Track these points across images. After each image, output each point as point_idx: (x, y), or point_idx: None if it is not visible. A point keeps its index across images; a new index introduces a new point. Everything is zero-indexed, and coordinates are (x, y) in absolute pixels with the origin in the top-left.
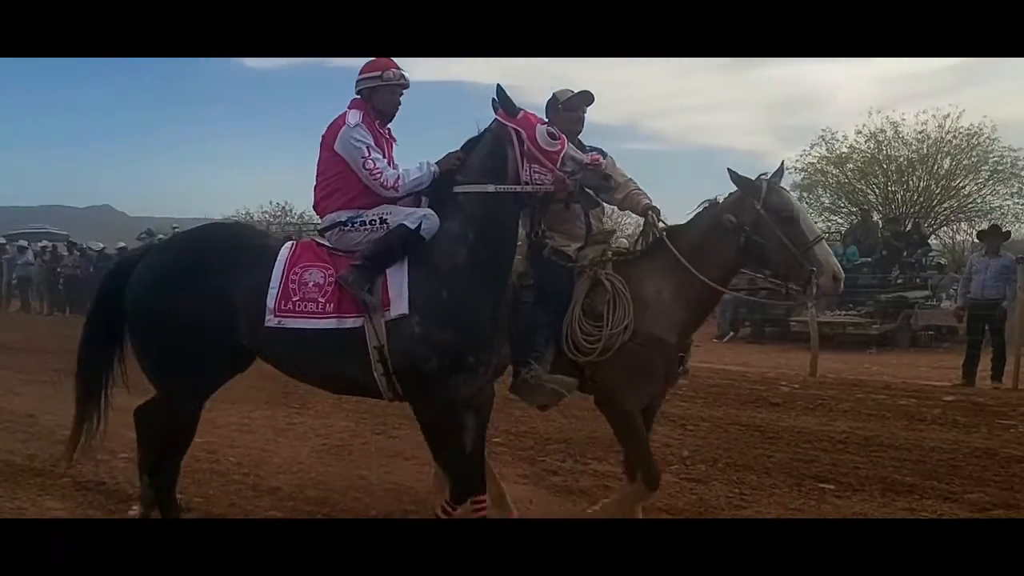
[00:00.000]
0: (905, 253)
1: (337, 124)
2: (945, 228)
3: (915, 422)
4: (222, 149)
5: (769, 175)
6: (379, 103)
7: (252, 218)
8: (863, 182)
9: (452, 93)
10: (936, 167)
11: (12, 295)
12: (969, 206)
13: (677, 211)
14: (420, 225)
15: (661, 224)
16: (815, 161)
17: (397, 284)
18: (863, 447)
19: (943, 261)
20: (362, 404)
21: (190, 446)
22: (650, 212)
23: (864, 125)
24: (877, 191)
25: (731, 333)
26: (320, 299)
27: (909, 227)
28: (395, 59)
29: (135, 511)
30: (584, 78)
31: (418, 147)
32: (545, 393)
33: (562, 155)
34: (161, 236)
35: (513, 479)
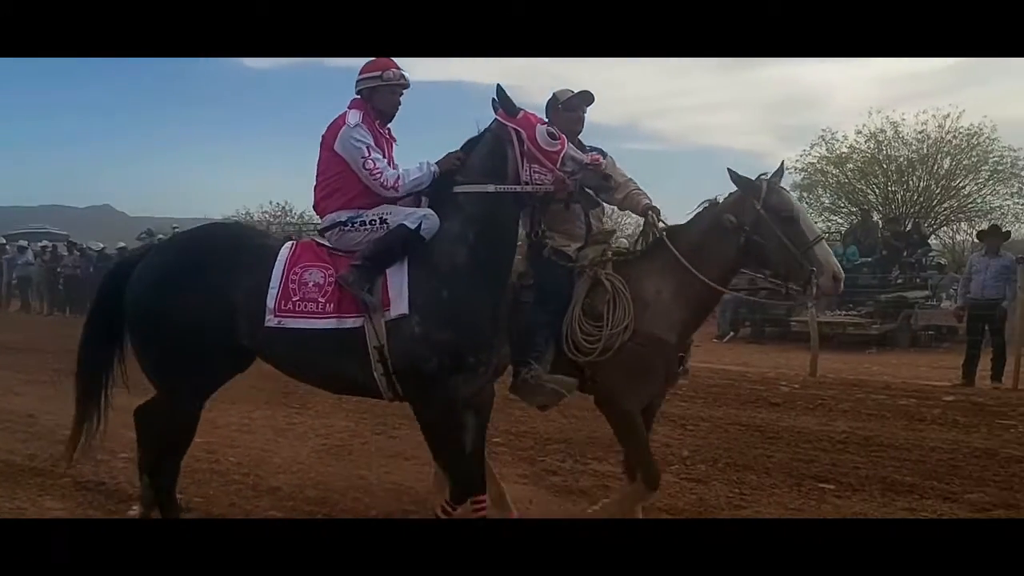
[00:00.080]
0: (905, 253)
1: (337, 124)
2: (945, 228)
3: (915, 422)
4: (222, 149)
5: (769, 175)
6: (379, 103)
7: (252, 218)
8: (863, 182)
9: (451, 93)
10: (936, 167)
11: (12, 295)
12: (969, 206)
13: (677, 211)
14: (420, 225)
15: (661, 224)
16: (815, 161)
17: (397, 284)
18: (863, 447)
19: (943, 261)
20: (362, 404)
21: (190, 446)
22: (650, 212)
23: (864, 125)
24: (877, 191)
25: (731, 333)
26: (320, 299)
27: (909, 227)
28: (395, 59)
29: (135, 511)
30: (583, 78)
31: (417, 147)
32: (545, 393)
33: (562, 155)
34: (161, 236)
35: (513, 479)
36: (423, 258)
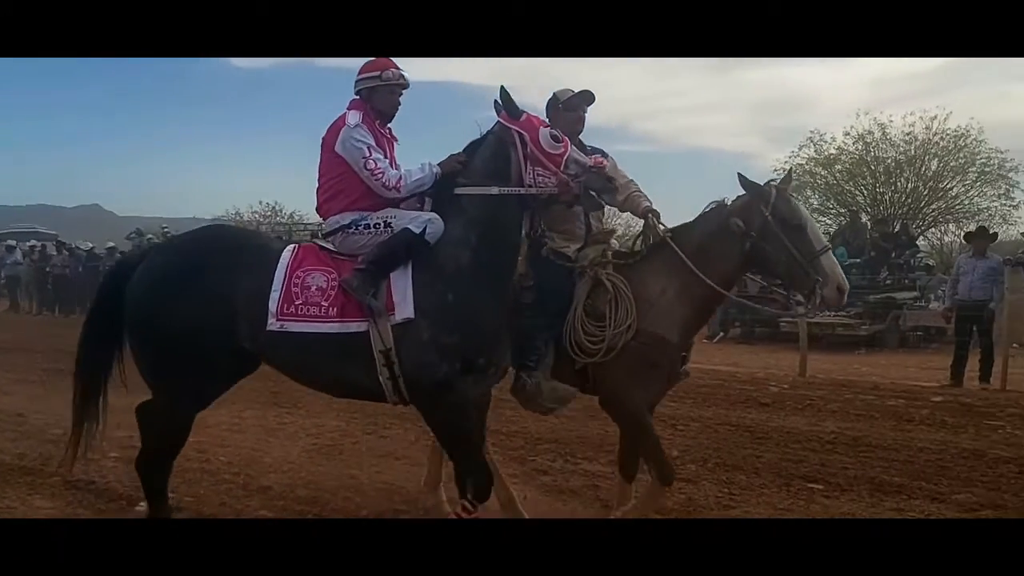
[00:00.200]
0: (893, 254)
1: (337, 125)
2: (933, 229)
3: (903, 423)
4: (213, 149)
5: (778, 181)
6: (378, 103)
7: (242, 218)
8: (851, 183)
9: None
10: (924, 169)
11: (1, 295)
12: (957, 207)
13: (668, 212)
14: (425, 229)
15: (661, 227)
16: (804, 163)
17: (401, 288)
18: (852, 447)
19: (931, 262)
20: (353, 404)
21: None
22: (650, 215)
23: (852, 127)
24: (865, 192)
25: (721, 334)
26: (323, 303)
27: (897, 228)
28: (393, 59)
29: (141, 508)
30: (573, 79)
31: (410, 147)
32: (546, 400)
33: (565, 158)
34: (151, 236)
35: (503, 478)
36: (427, 261)
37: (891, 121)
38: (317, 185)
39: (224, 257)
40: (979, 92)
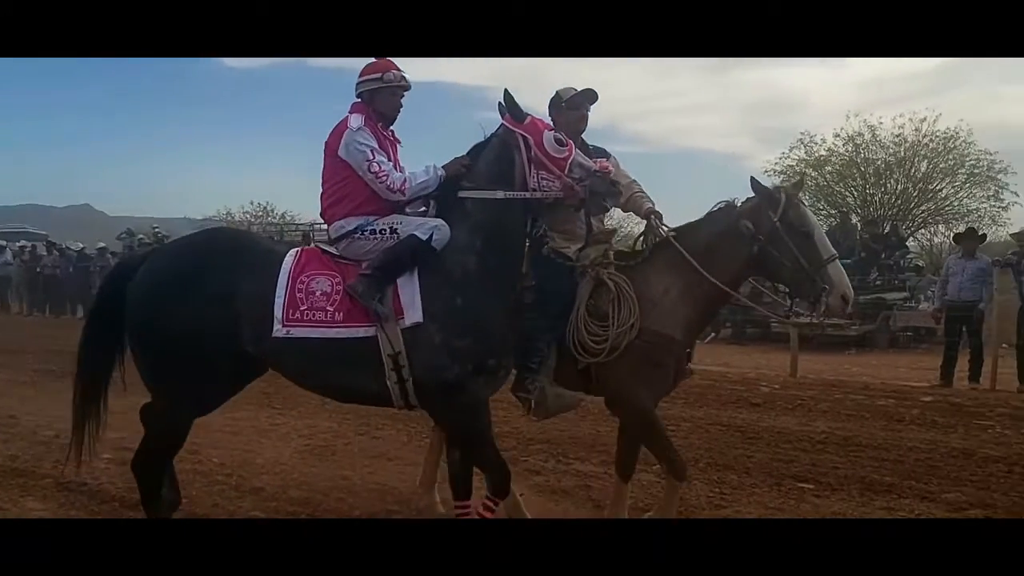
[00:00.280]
0: (883, 255)
1: (339, 129)
2: (923, 230)
3: (893, 422)
4: (205, 150)
5: (789, 186)
6: (380, 105)
7: (233, 218)
8: (841, 185)
9: (435, 94)
10: (913, 170)
11: None
12: (946, 209)
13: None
14: (432, 236)
15: (664, 228)
16: (794, 164)
17: (409, 293)
18: (842, 447)
19: (921, 263)
20: (345, 405)
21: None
22: (653, 216)
23: (842, 128)
24: (855, 194)
25: (712, 334)
26: (328, 308)
27: (887, 229)
28: (392, 60)
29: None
30: (565, 80)
31: (408, 149)
32: (551, 407)
33: (570, 162)
34: (141, 236)
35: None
36: (434, 266)
37: (881, 123)
38: (321, 190)
39: (226, 260)
40: (969, 94)
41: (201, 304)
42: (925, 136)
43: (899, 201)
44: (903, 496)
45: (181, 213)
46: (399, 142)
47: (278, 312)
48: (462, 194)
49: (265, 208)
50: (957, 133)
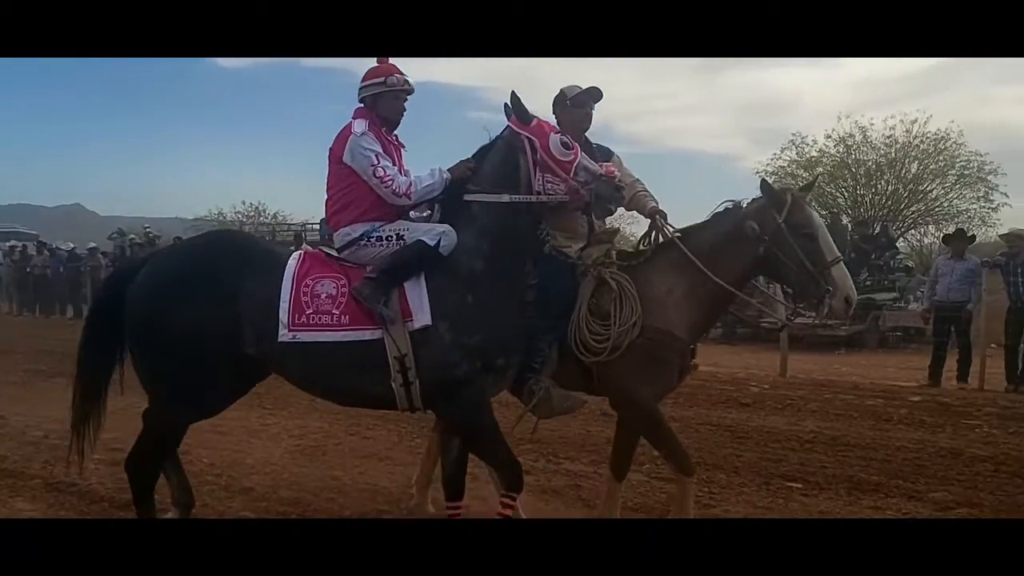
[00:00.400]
0: (873, 256)
1: (343, 135)
2: (913, 231)
3: (882, 422)
4: (196, 150)
5: (796, 188)
6: (383, 110)
7: (225, 218)
8: (832, 185)
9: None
10: (904, 171)
11: None
12: (936, 210)
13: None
14: (439, 242)
15: (669, 228)
16: (785, 165)
17: (416, 295)
18: (830, 446)
19: (910, 264)
20: (336, 406)
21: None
22: (657, 216)
23: (833, 129)
24: (846, 194)
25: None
26: (334, 311)
27: (877, 230)
28: (391, 60)
29: (173, 513)
30: (558, 80)
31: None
32: (556, 408)
33: (575, 165)
34: (133, 236)
35: (485, 479)
36: (441, 268)
37: (872, 124)
38: (326, 197)
39: (228, 262)
40: (959, 96)
41: (202, 306)
42: (916, 137)
43: (889, 202)
44: (891, 495)
45: (173, 213)
46: (403, 146)
47: (283, 316)
48: (467, 198)
49: (257, 208)
50: (948, 134)
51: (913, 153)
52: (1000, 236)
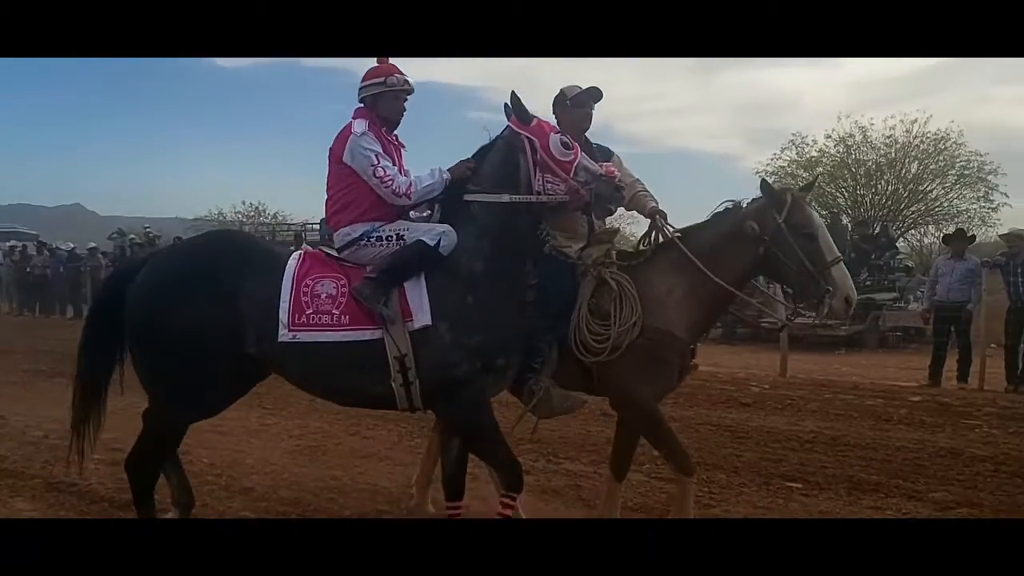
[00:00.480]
0: (873, 256)
1: (343, 135)
2: (913, 231)
3: (882, 422)
4: (196, 150)
5: (798, 188)
6: (383, 110)
7: (225, 218)
8: (832, 186)
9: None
10: (904, 171)
11: None
12: (936, 210)
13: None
14: (439, 242)
15: (669, 228)
16: (785, 165)
17: (416, 295)
18: (831, 446)
19: (910, 264)
20: (336, 406)
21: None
22: (657, 216)
23: (833, 129)
24: (846, 194)
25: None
26: (334, 311)
27: (877, 230)
28: (391, 61)
29: (173, 513)
30: (557, 80)
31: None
32: (556, 408)
33: (575, 165)
34: (133, 236)
35: (485, 479)
36: (441, 268)
37: (872, 124)
38: (326, 197)
39: (228, 262)
40: (959, 96)
41: (202, 306)
42: (916, 137)
43: (889, 202)
44: (891, 495)
45: (173, 213)
46: (403, 146)
47: (283, 316)
48: (468, 197)
49: (257, 208)
50: (948, 134)
51: (913, 153)
52: (1000, 236)
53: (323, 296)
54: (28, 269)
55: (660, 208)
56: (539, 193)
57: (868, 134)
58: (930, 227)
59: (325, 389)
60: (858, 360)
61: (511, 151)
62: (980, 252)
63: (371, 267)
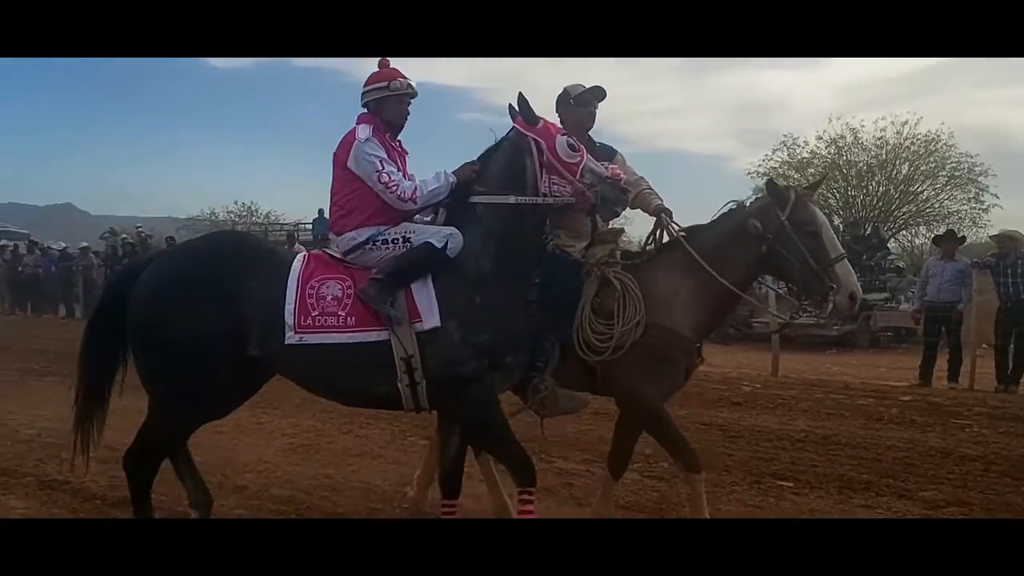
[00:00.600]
0: (865, 256)
1: (348, 140)
2: (904, 232)
3: (873, 421)
4: (188, 150)
5: (804, 187)
6: (387, 114)
7: (217, 218)
8: (824, 187)
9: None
10: (895, 172)
11: None
12: (927, 211)
13: (645, 215)
14: (447, 244)
15: (675, 226)
16: (777, 166)
17: (425, 297)
18: (822, 445)
19: (901, 264)
20: (329, 404)
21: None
22: (663, 214)
23: (824, 131)
24: (837, 196)
25: None
26: (340, 312)
27: (868, 231)
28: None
29: (195, 514)
30: (549, 81)
31: None
32: (560, 407)
33: (582, 167)
34: (125, 236)
35: (478, 477)
36: (448, 269)
37: (863, 126)
38: (330, 202)
39: (232, 263)
40: (950, 97)
41: (205, 306)
42: (906, 139)
43: (880, 203)
44: (881, 494)
45: (166, 212)
46: (407, 153)
47: (289, 319)
48: (474, 200)
49: (250, 208)
50: (938, 136)
51: (904, 154)
52: (990, 237)
53: (329, 298)
54: (20, 268)
55: (665, 206)
56: (545, 195)
57: (859, 135)
58: (921, 228)
59: (330, 390)
60: (849, 360)
61: (517, 152)
62: (970, 253)
63: (377, 268)
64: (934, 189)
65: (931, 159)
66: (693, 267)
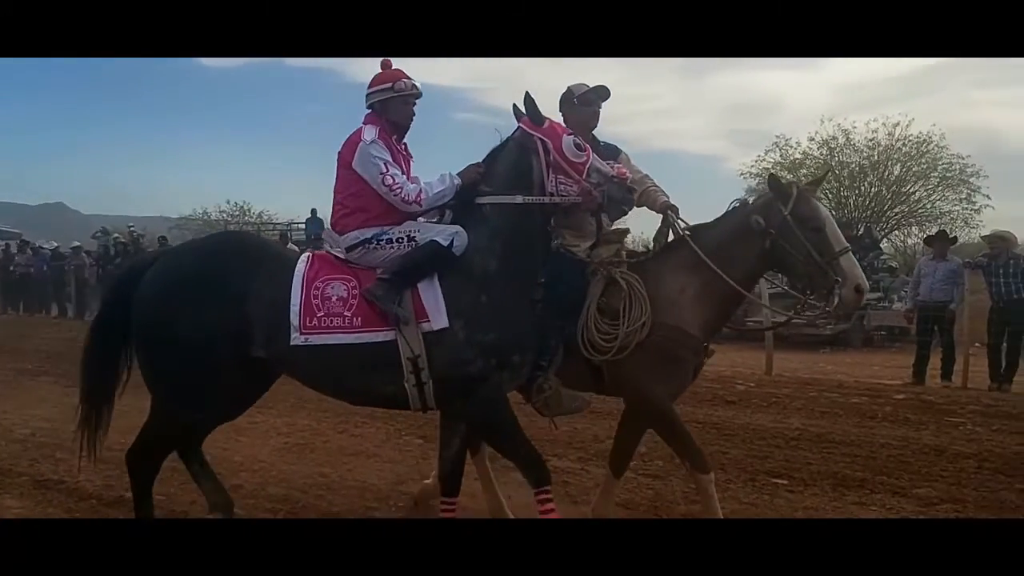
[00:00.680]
0: (857, 256)
1: (353, 141)
2: (896, 232)
3: (866, 419)
4: (182, 150)
5: (806, 183)
6: (392, 115)
7: (210, 217)
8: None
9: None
10: (887, 173)
11: None
12: (919, 211)
13: (645, 216)
14: (452, 243)
15: (681, 223)
16: (770, 167)
17: (432, 296)
18: (816, 443)
19: (894, 264)
20: (324, 402)
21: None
22: (669, 211)
23: (817, 132)
24: (830, 196)
25: None
26: (346, 313)
27: (861, 231)
28: (388, 61)
29: (216, 516)
30: (542, 82)
31: None
32: (564, 407)
33: (588, 166)
34: (117, 235)
35: (472, 476)
36: (454, 268)
37: (855, 127)
38: (333, 201)
39: (237, 263)
40: (942, 99)
41: (210, 306)
42: (898, 140)
43: (873, 204)
44: (875, 491)
45: (158, 211)
46: (411, 157)
47: (295, 320)
48: (480, 200)
49: (242, 208)
50: (930, 137)
51: (896, 155)
52: (982, 237)
53: (334, 298)
54: (11, 268)
55: (672, 203)
56: (552, 194)
57: (851, 137)
58: (913, 228)
59: (337, 389)
60: (843, 359)
61: (523, 152)
62: (963, 253)
63: (383, 268)
64: (926, 190)
65: (923, 160)
66: (699, 265)
